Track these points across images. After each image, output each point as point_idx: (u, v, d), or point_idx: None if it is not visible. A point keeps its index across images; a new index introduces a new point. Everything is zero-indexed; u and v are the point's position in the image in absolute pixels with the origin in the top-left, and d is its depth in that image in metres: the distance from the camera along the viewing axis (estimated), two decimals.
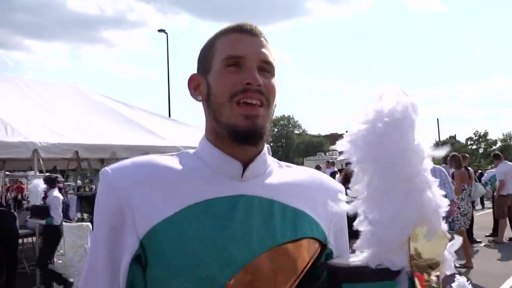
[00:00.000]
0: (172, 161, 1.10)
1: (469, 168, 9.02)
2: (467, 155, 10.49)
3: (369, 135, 0.93)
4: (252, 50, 1.07)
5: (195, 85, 1.14)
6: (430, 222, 0.93)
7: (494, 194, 11.14)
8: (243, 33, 1.09)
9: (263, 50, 1.09)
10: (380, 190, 0.93)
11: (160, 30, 27.56)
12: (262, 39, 1.11)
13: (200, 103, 1.15)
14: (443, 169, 7.93)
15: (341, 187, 1.22)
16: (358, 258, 0.96)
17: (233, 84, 1.05)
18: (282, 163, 1.22)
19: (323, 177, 1.23)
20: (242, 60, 1.06)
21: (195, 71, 1.17)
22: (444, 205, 0.96)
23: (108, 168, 1.08)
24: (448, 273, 0.99)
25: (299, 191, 1.14)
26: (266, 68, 1.09)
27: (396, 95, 0.94)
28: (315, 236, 1.10)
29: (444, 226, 0.97)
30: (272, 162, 1.17)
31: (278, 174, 1.15)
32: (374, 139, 0.93)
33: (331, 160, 16.50)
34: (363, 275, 0.93)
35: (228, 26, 1.12)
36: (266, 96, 1.07)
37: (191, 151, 1.16)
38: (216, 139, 1.10)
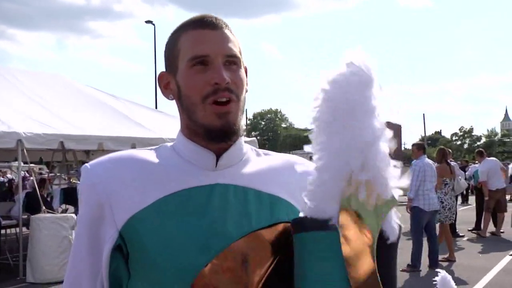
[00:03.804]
0: (150, 155, 1.13)
1: (450, 162, 9.08)
2: (449, 150, 10.60)
3: (322, 99, 0.99)
4: (216, 46, 1.07)
5: (165, 84, 1.14)
6: (365, 177, 0.94)
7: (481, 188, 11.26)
8: (205, 28, 1.08)
9: (227, 44, 1.08)
10: (324, 142, 0.99)
11: (147, 21, 27.36)
12: (226, 31, 1.10)
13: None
14: (432, 164, 7.86)
15: None
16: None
17: (202, 85, 1.05)
18: (261, 151, 1.23)
19: (299, 160, 1.25)
20: (207, 59, 1.06)
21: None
22: (395, 163, 0.97)
23: (87, 165, 1.12)
24: (389, 237, 0.98)
25: (275, 177, 1.16)
26: (232, 61, 1.09)
27: (355, 58, 0.98)
28: (292, 219, 1.10)
29: (389, 189, 0.96)
30: (249, 150, 1.18)
31: (254, 162, 1.17)
32: (326, 94, 0.98)
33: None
34: (303, 225, 0.98)
35: (190, 20, 1.11)
36: (235, 92, 1.08)
37: (169, 144, 1.18)
38: (190, 134, 1.12)
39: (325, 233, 0.94)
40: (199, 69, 1.06)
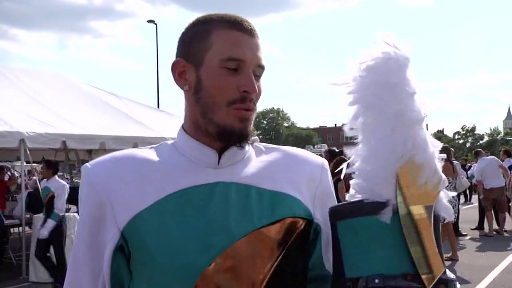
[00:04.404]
0: (150, 154, 1.12)
1: (453, 161, 9.07)
2: (452, 149, 10.59)
3: (361, 76, 1.00)
4: (252, 54, 1.07)
5: (180, 72, 1.11)
6: (417, 158, 0.96)
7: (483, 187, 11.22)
8: (244, 32, 1.07)
9: (260, 54, 1.09)
10: (370, 126, 0.99)
11: (149, 21, 27.36)
12: (258, 39, 1.10)
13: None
14: None
15: (323, 160, 1.24)
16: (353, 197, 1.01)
17: (230, 89, 1.04)
18: (262, 146, 1.21)
19: (303, 153, 1.23)
20: (241, 64, 1.05)
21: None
22: (437, 144, 1.01)
23: (88, 164, 1.12)
24: (445, 216, 1.00)
25: (278, 172, 1.15)
26: (259, 72, 1.09)
27: (387, 40, 1.01)
28: (296, 214, 1.10)
29: (438, 167, 0.99)
30: (251, 147, 1.17)
31: (256, 159, 1.16)
32: (364, 79, 1.00)
33: (318, 153, 16.61)
34: (350, 211, 0.97)
35: (225, 17, 1.09)
36: (256, 102, 1.09)
37: (170, 142, 1.17)
38: (195, 131, 1.11)
39: (386, 216, 0.94)
40: (230, 71, 1.05)
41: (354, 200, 1.00)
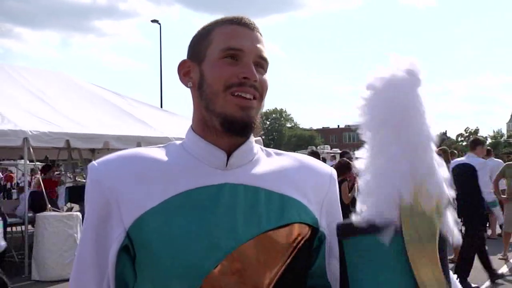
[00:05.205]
0: (158, 153, 1.12)
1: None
2: (455, 151, 10.55)
3: (373, 98, 1.01)
4: (251, 44, 1.08)
5: (185, 71, 1.14)
6: (428, 182, 0.96)
7: None
8: (242, 26, 1.10)
9: (260, 45, 1.10)
10: (379, 144, 0.99)
11: (153, 21, 27.43)
12: (259, 34, 1.12)
13: (190, 92, 1.15)
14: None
15: (332, 170, 1.23)
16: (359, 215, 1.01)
17: (229, 75, 1.05)
18: (272, 150, 1.21)
19: (313, 161, 1.23)
20: (240, 53, 1.07)
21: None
22: (441, 163, 1.00)
23: (95, 162, 1.11)
24: (451, 240, 0.99)
25: (287, 177, 1.14)
26: (261, 63, 1.10)
27: (396, 61, 1.03)
28: (304, 220, 1.10)
29: (445, 190, 0.98)
30: (259, 150, 1.17)
31: (265, 162, 1.15)
32: (377, 102, 1.00)
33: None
34: (355, 229, 0.97)
35: (226, 17, 1.13)
36: (260, 91, 1.08)
37: (178, 142, 1.17)
38: (203, 129, 1.11)
39: (387, 237, 0.94)
40: (230, 61, 1.07)
41: (359, 218, 0.99)
